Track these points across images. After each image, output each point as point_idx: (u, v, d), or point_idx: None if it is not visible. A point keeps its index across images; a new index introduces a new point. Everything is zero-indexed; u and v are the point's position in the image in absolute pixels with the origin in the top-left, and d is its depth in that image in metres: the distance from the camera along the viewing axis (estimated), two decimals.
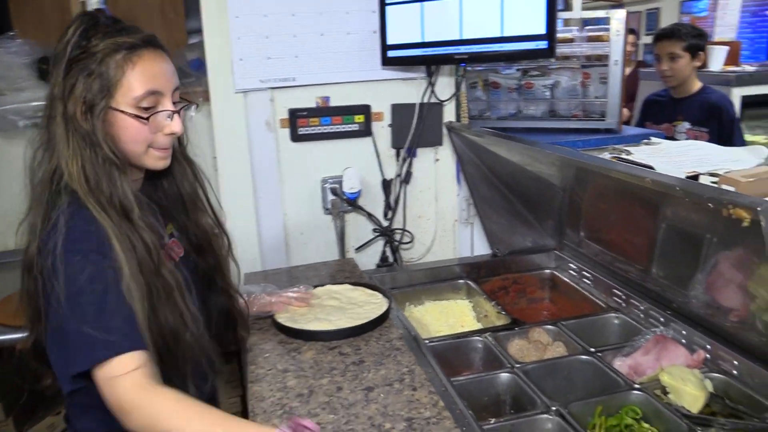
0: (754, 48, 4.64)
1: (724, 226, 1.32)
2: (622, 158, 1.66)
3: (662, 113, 2.90)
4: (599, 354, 1.56)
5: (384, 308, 1.63)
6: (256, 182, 2.10)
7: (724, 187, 1.31)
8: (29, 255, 1.13)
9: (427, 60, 2.03)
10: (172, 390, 1.06)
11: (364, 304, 1.67)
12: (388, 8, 2.02)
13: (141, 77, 1.14)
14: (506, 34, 1.86)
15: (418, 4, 1.96)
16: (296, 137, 2.10)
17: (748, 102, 2.90)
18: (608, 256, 1.90)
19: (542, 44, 1.83)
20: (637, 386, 1.40)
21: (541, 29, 1.82)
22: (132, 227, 1.14)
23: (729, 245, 1.37)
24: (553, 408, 1.33)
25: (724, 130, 2.67)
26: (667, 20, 6.49)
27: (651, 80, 3.45)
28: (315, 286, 1.79)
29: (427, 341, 1.62)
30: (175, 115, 1.20)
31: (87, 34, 1.12)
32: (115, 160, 1.14)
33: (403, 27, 2.01)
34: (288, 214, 2.16)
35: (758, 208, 0.84)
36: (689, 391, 1.34)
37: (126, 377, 1.03)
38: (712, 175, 1.48)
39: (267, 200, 2.12)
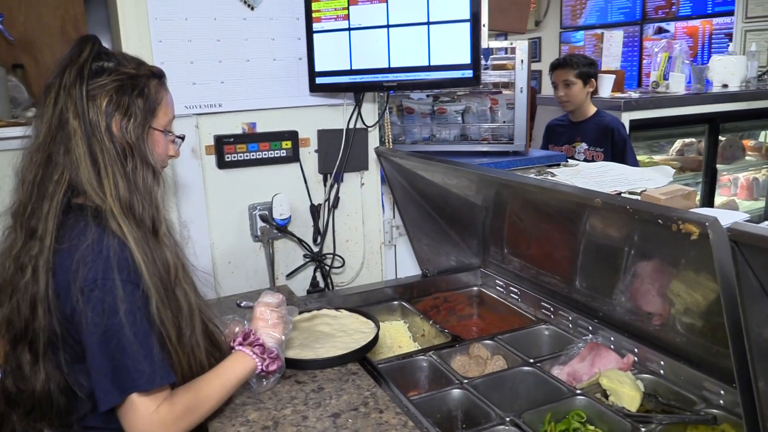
0: (628, 75, 5.09)
1: (648, 238, 1.45)
2: (545, 179, 1.78)
3: (562, 136, 3.13)
4: (538, 364, 1.64)
5: (370, 338, 1.62)
6: (181, 211, 2.03)
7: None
8: (25, 281, 1.13)
9: (355, 87, 2.07)
10: (176, 393, 1.17)
11: (354, 333, 1.67)
12: (315, 36, 2.04)
13: (170, 102, 1.30)
14: (433, 63, 1.94)
15: (345, 33, 2.00)
16: (223, 164, 2.06)
17: (635, 125, 3.19)
18: (532, 270, 2.02)
19: (468, 73, 1.92)
20: (579, 392, 1.49)
21: (466, 59, 1.91)
22: (157, 244, 1.18)
23: (649, 255, 1.51)
24: (508, 419, 1.39)
25: (617, 149, 2.92)
26: (547, 49, 6.98)
27: (548, 105, 3.70)
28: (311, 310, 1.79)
29: (378, 364, 1.64)
30: (183, 140, 1.38)
31: (107, 57, 1.20)
32: (157, 170, 1.22)
33: (331, 54, 2.04)
34: (215, 243, 2.10)
35: (706, 223, 0.95)
36: (627, 392, 1.45)
37: (151, 416, 1.11)
38: (631, 193, 1.62)
39: (193, 230, 2.05)
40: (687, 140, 4.12)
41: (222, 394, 1.26)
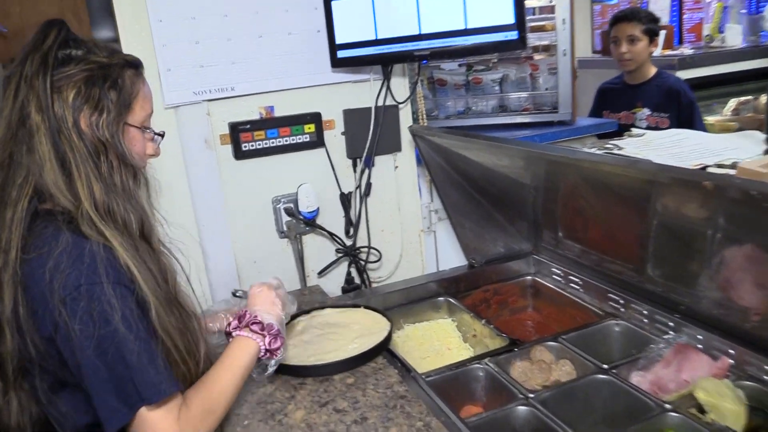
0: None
1: (741, 219, 1.20)
2: (613, 154, 1.52)
3: (619, 101, 2.82)
4: (614, 371, 1.41)
5: (384, 334, 1.45)
6: (196, 208, 1.83)
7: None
8: None
9: (383, 59, 1.82)
10: (189, 397, 1.04)
11: (364, 332, 1.50)
12: (334, 4, 1.80)
13: (148, 95, 1.12)
14: (471, 26, 1.69)
15: None
16: (240, 154, 1.85)
17: (691, 85, 2.88)
18: (593, 256, 1.78)
19: (512, 35, 1.67)
20: (669, 407, 1.26)
21: (510, 18, 1.65)
22: (150, 250, 1.07)
23: (743, 239, 1.25)
24: None
25: (684, 114, 2.62)
26: (579, 8, 6.56)
27: (587, 68, 3.40)
28: (310, 310, 1.63)
29: (424, 376, 1.43)
30: (162, 138, 1.18)
31: (76, 44, 1.03)
32: (136, 170, 1.08)
33: (353, 24, 1.80)
34: (237, 242, 1.90)
35: None
36: (729, 407, 1.21)
37: (172, 427, 0.98)
38: (720, 166, 1.36)
39: (212, 228, 1.85)
40: (743, 98, 3.79)
41: (235, 386, 1.14)
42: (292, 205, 1.91)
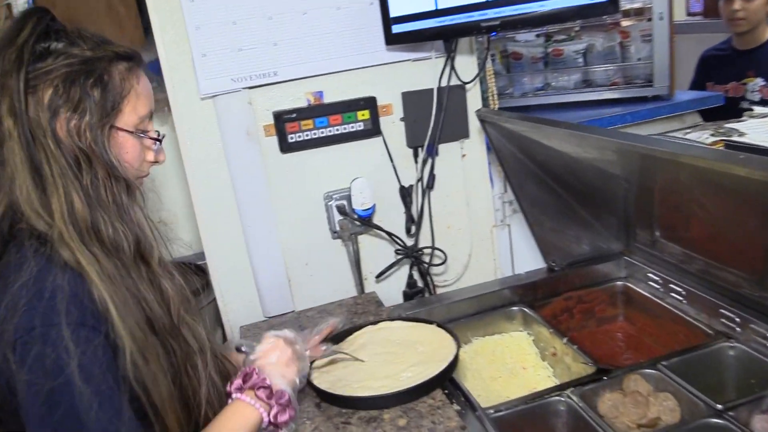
0: None
1: None
2: (734, 142, 1.22)
3: (726, 70, 2.43)
4: (731, 413, 1.13)
5: (444, 365, 1.22)
6: (241, 208, 1.66)
7: None
8: None
9: (445, 32, 1.57)
10: None
11: (426, 357, 1.28)
12: None
13: (144, 94, 0.95)
14: None
15: None
16: (286, 147, 1.66)
17: None
18: (700, 261, 1.48)
19: None
20: None
21: None
22: (144, 275, 0.91)
23: None
24: None
25: None
26: None
27: (682, 33, 2.98)
28: (378, 321, 1.44)
29: (491, 411, 1.20)
30: (161, 143, 1.00)
31: (57, 36, 0.88)
32: (130, 182, 0.92)
33: None
34: (286, 243, 1.72)
35: None
36: None
37: None
38: None
39: (258, 229, 1.68)
40: None
41: None
42: (345, 202, 1.71)
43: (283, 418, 0.96)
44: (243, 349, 1.09)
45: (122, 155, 0.91)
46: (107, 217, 0.86)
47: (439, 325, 1.38)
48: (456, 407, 1.16)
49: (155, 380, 0.85)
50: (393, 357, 1.31)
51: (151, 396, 0.85)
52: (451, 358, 1.22)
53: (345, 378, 1.24)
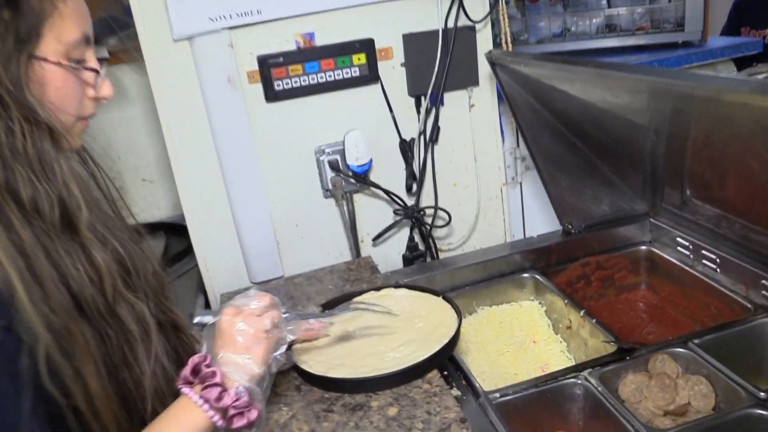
0: None
1: None
2: None
3: (763, 14, 2.20)
4: None
5: (452, 332, 1.09)
6: (223, 163, 1.50)
7: None
8: None
9: None
10: None
11: (423, 333, 1.13)
12: None
13: (74, 14, 0.75)
14: None
15: None
16: (273, 95, 1.48)
17: None
18: (738, 224, 1.31)
19: None
20: None
21: None
22: (78, 242, 0.73)
23: None
24: None
25: None
26: None
27: None
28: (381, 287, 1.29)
29: (497, 395, 1.06)
30: (103, 74, 0.81)
31: None
32: (53, 125, 0.72)
33: None
34: (274, 203, 1.56)
35: None
36: None
37: None
38: None
39: (242, 187, 1.52)
40: None
41: None
42: (338, 157, 1.54)
43: (240, 423, 0.77)
44: (198, 321, 0.87)
45: (48, 93, 0.73)
46: (25, 172, 0.69)
47: (445, 298, 1.22)
48: (455, 392, 1.01)
49: (81, 377, 0.69)
50: (386, 331, 1.16)
51: (75, 398, 0.69)
52: (445, 341, 1.06)
53: (326, 353, 1.10)
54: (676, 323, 1.41)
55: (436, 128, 1.62)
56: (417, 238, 1.67)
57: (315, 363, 1.06)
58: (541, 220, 1.77)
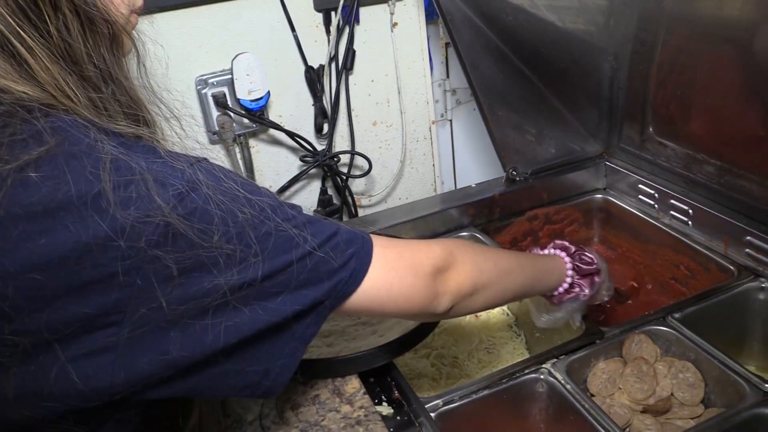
0: None
1: None
2: None
3: None
4: None
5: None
6: None
7: None
8: None
9: None
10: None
11: None
12: None
13: None
14: None
15: None
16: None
17: None
18: (711, 167, 1.09)
19: None
20: None
21: None
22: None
23: None
24: None
25: None
26: None
27: None
28: None
29: (440, 402, 0.80)
30: None
31: None
32: (116, 28, 0.56)
33: None
34: None
35: None
36: None
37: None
38: None
39: None
40: None
41: (521, 281, 0.82)
42: (225, 89, 1.19)
43: (585, 287, 0.90)
44: None
45: None
46: (92, 78, 0.52)
47: None
48: (386, 410, 0.74)
49: None
50: None
51: None
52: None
53: None
54: (638, 278, 1.20)
55: (350, 53, 1.30)
56: (331, 190, 1.37)
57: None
58: (478, 168, 1.51)
